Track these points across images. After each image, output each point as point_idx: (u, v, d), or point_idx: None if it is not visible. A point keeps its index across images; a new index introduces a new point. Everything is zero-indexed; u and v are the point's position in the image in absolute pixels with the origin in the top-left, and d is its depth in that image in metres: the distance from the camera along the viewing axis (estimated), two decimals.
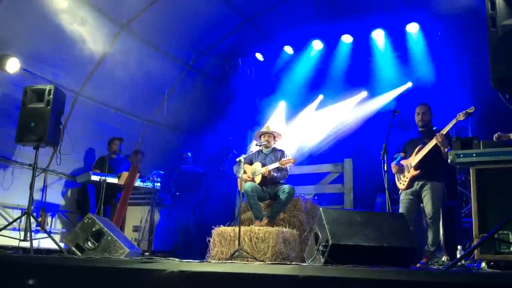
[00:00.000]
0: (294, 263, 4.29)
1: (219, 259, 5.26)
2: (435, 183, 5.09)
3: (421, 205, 5.18)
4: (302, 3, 7.89)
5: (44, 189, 7.06)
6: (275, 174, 5.96)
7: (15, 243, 5.02)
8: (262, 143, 6.19)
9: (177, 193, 7.95)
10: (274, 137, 6.38)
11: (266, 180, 5.98)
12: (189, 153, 8.39)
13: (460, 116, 4.78)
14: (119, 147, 7.29)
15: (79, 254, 4.43)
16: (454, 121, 4.86)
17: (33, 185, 5.14)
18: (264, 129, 6.40)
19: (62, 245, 5.40)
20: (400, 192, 5.35)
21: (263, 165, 6.06)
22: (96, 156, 7.66)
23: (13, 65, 6.09)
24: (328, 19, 7.88)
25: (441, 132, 4.88)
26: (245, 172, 6.04)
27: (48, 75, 6.62)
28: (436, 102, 5.91)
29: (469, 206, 6.02)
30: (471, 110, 4.74)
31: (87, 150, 7.75)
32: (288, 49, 8.65)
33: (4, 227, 5.04)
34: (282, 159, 5.90)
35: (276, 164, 5.89)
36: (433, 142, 4.98)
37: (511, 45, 2.83)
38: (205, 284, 2.70)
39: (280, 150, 6.27)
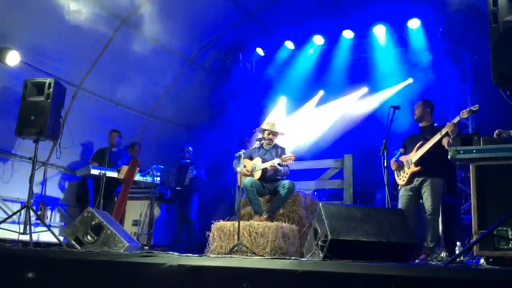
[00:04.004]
0: (293, 258, 4.29)
1: (219, 254, 5.27)
2: (435, 179, 5.08)
3: (421, 201, 5.18)
4: None
5: (43, 183, 7.06)
6: (273, 170, 5.94)
7: (14, 236, 5.02)
8: (265, 139, 6.18)
9: (177, 188, 7.94)
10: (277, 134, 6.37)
11: (266, 176, 5.98)
12: (190, 148, 8.33)
13: (464, 114, 4.72)
14: (116, 140, 7.26)
15: (79, 247, 4.42)
16: (458, 118, 4.82)
17: (33, 179, 5.13)
18: (269, 127, 6.33)
19: (61, 238, 5.40)
20: (399, 188, 5.35)
21: (263, 160, 6.05)
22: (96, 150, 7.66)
23: (13, 58, 6.08)
24: (329, 14, 7.87)
25: (453, 121, 4.82)
26: (244, 167, 6.04)
27: (49, 68, 6.61)
28: (437, 98, 5.90)
29: (469, 202, 6.03)
30: (475, 108, 4.66)
31: (87, 144, 7.74)
32: (289, 44, 8.63)
33: (4, 220, 5.04)
34: (283, 156, 5.89)
35: (278, 161, 5.88)
36: (435, 139, 4.96)
37: None
38: (204, 278, 2.70)
39: (281, 147, 6.25)
